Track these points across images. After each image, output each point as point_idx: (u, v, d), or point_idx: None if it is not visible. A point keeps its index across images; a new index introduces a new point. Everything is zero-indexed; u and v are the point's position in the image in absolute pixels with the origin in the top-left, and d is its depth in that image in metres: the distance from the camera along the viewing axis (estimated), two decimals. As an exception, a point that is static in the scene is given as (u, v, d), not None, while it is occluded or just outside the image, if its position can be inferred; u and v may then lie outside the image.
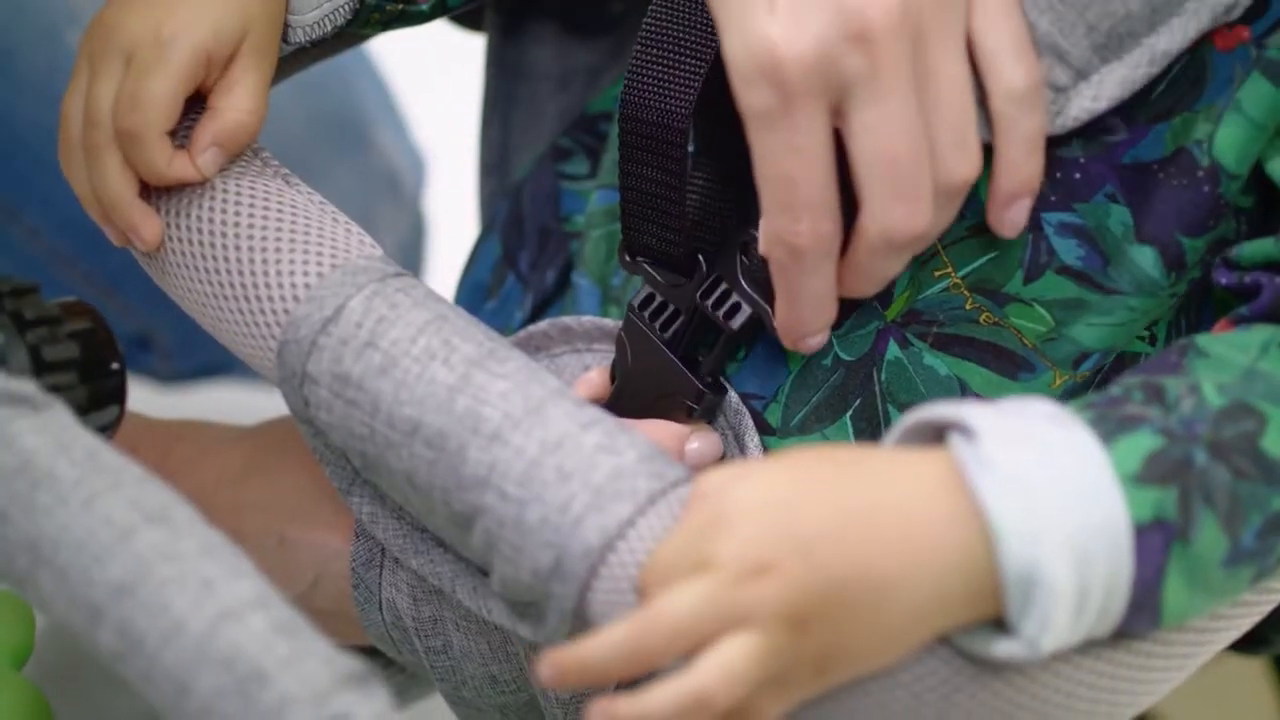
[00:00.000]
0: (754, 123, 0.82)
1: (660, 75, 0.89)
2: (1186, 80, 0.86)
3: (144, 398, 1.44)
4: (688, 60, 0.88)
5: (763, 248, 0.85)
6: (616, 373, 0.94)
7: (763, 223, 0.84)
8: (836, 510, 0.77)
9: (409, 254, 1.52)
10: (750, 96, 0.81)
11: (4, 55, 1.31)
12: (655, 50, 0.89)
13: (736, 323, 0.90)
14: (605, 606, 0.78)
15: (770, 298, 0.88)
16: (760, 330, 0.91)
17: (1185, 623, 0.82)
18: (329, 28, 0.93)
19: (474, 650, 0.93)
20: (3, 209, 1.35)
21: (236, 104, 0.88)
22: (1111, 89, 0.85)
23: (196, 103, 0.90)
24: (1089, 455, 0.77)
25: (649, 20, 0.89)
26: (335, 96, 1.42)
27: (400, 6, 0.97)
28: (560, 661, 0.75)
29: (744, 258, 0.90)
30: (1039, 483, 0.76)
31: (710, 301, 0.91)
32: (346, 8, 0.94)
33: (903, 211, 0.82)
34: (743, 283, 0.90)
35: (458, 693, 0.96)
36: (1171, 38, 0.85)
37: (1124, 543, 0.77)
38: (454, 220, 1.55)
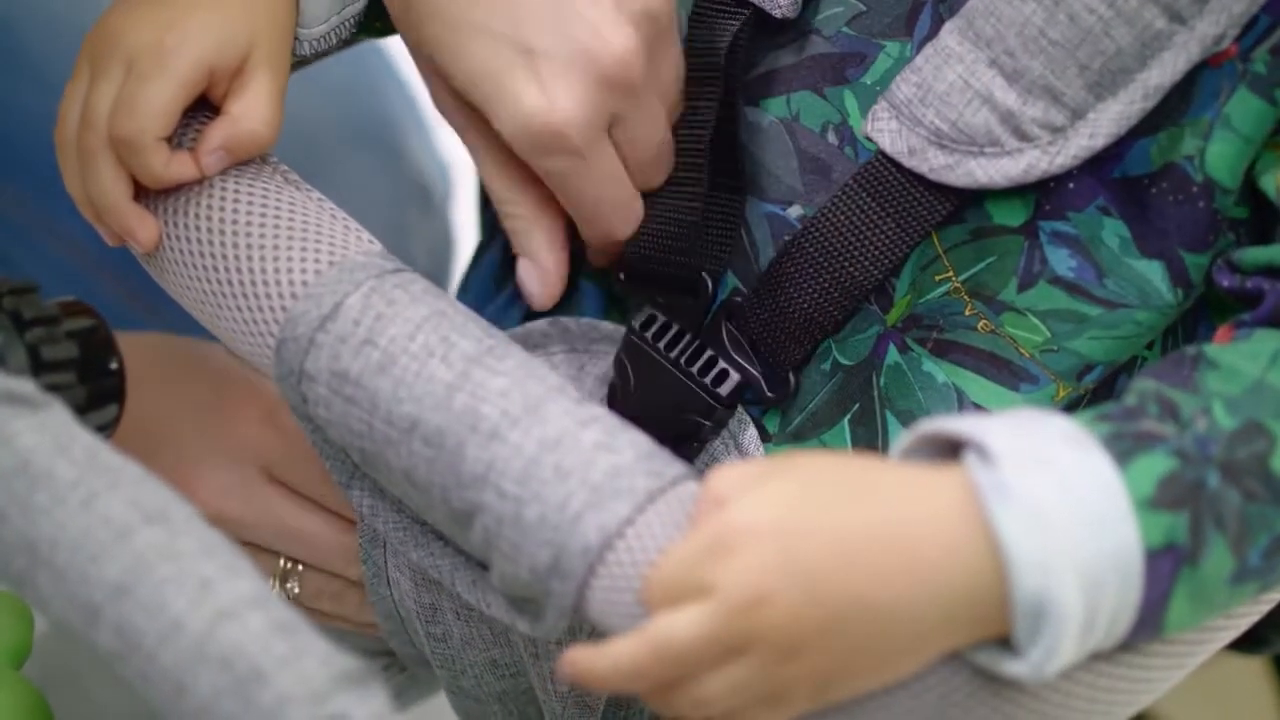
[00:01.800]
0: (560, 180, 0.90)
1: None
2: (1174, 94, 0.86)
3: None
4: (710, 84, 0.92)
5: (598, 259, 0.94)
6: (617, 393, 0.94)
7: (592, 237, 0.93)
8: (842, 538, 0.76)
9: (440, 261, 1.51)
10: (547, 163, 0.89)
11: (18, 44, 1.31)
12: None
13: (725, 389, 0.91)
14: (604, 604, 0.78)
15: (756, 363, 0.91)
16: (748, 391, 0.92)
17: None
18: (334, 41, 0.94)
19: (475, 637, 0.93)
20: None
21: (252, 113, 0.88)
22: (1108, 126, 0.86)
23: (196, 109, 0.89)
24: (1105, 481, 0.77)
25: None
26: (365, 105, 1.42)
27: None
28: (574, 662, 0.76)
29: (729, 324, 0.92)
30: (1055, 512, 0.76)
31: (696, 368, 0.92)
32: (352, 21, 0.94)
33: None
34: (730, 350, 0.91)
35: (456, 682, 0.95)
36: (1163, 71, 0.85)
37: (1135, 570, 0.77)
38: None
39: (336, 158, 1.34)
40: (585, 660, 0.76)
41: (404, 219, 1.41)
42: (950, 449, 0.79)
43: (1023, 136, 0.86)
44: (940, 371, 0.90)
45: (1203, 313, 0.91)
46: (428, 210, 1.46)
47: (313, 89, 1.30)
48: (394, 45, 1.29)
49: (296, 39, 0.92)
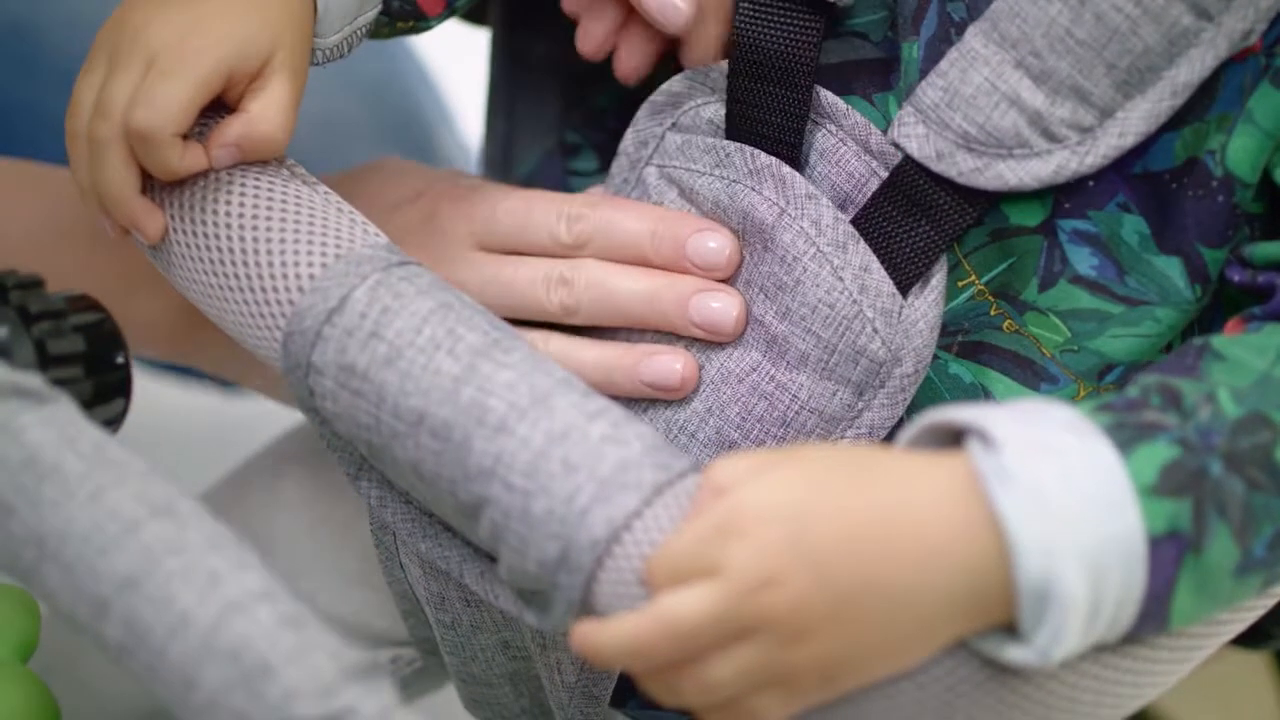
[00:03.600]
0: None
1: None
2: (1197, 89, 0.86)
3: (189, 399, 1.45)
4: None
5: None
6: None
7: None
8: (850, 522, 0.76)
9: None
10: None
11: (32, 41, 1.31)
12: None
13: None
14: (611, 598, 0.78)
15: None
16: None
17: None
18: (346, 50, 0.94)
19: (485, 621, 0.93)
20: None
21: (269, 115, 0.88)
22: (1137, 124, 0.86)
23: (210, 108, 0.89)
24: (1107, 467, 0.77)
25: None
26: (394, 102, 1.43)
27: (411, 23, 0.97)
28: (581, 635, 0.76)
29: None
30: (1057, 496, 0.76)
31: None
32: (362, 30, 0.94)
33: None
34: None
35: (467, 668, 0.95)
36: (1191, 69, 0.85)
37: (1138, 556, 0.77)
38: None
39: (368, 155, 1.35)
40: (592, 634, 0.76)
41: None
42: (954, 439, 0.80)
43: (1051, 138, 0.86)
44: (967, 372, 0.91)
45: (1217, 312, 0.92)
46: None
47: (343, 88, 1.31)
48: (421, 42, 1.30)
49: (313, 48, 0.92)
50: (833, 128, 0.90)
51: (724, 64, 0.92)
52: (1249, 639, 0.96)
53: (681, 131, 0.93)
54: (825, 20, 0.90)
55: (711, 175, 0.91)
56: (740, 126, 0.92)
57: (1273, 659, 1.52)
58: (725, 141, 0.91)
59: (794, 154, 0.90)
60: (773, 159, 0.90)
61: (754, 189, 0.90)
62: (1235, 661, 1.41)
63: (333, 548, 1.05)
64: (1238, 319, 0.87)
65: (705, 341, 0.92)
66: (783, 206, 0.89)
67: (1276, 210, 0.89)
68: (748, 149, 0.91)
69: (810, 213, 0.89)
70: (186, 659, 0.72)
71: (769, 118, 0.91)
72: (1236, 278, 0.88)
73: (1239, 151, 0.87)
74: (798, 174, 0.90)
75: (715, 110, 0.93)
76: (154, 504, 0.75)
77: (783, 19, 0.90)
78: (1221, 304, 0.91)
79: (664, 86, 0.94)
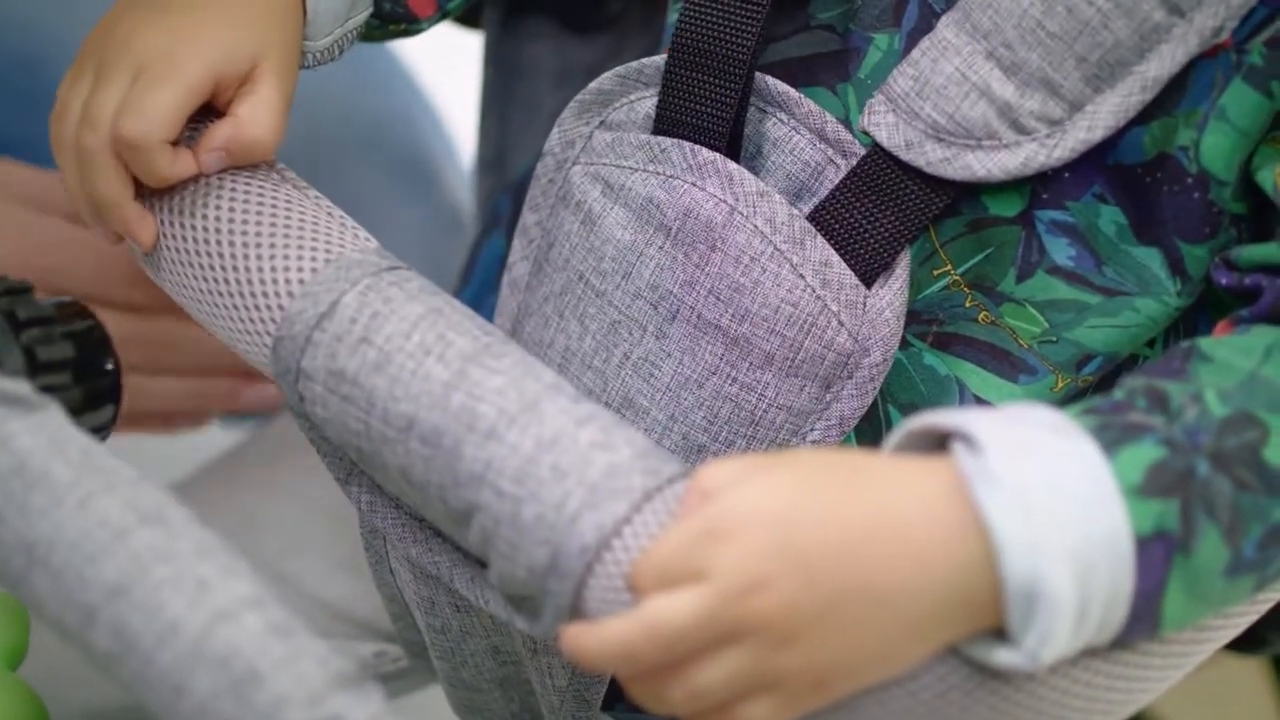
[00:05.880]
0: None
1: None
2: (1167, 84, 0.86)
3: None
4: None
5: None
6: None
7: None
8: (838, 526, 0.76)
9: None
10: None
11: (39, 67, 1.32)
12: None
13: None
14: (601, 604, 0.78)
15: None
16: None
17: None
18: (337, 53, 0.94)
19: (475, 626, 0.93)
20: None
21: (258, 119, 0.88)
22: (1106, 118, 0.86)
23: (198, 114, 0.89)
24: (1092, 467, 0.77)
25: None
26: (399, 136, 1.43)
27: (402, 26, 0.97)
28: (571, 637, 0.76)
29: None
30: (1042, 496, 0.76)
31: None
32: (354, 33, 0.94)
33: None
34: None
35: (457, 674, 0.95)
36: (1161, 64, 0.85)
37: (1126, 556, 0.77)
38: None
39: (373, 190, 1.35)
40: (579, 637, 0.76)
41: (441, 246, 1.43)
42: (940, 444, 0.80)
43: (1020, 129, 0.86)
44: (942, 364, 0.91)
45: (1203, 314, 0.92)
46: (462, 237, 1.47)
47: (346, 123, 1.31)
48: (425, 74, 1.31)
49: (302, 51, 0.92)
50: (784, 116, 0.90)
51: (659, 58, 0.92)
52: (1244, 644, 0.96)
53: (611, 129, 0.93)
54: (770, 9, 0.90)
55: (645, 171, 0.90)
56: (674, 120, 0.91)
57: (1268, 664, 1.52)
58: (660, 137, 0.91)
59: (734, 148, 0.90)
60: (715, 154, 0.89)
61: (696, 185, 0.89)
62: (1231, 666, 1.41)
63: (324, 531, 1.05)
64: (1226, 322, 0.87)
65: (655, 347, 0.91)
66: (732, 205, 0.89)
67: (1262, 213, 0.89)
68: (686, 144, 0.90)
69: (763, 211, 0.88)
70: (175, 666, 0.72)
71: (706, 109, 0.90)
72: (1224, 281, 0.88)
73: (1212, 149, 0.87)
74: (745, 170, 0.89)
75: (652, 104, 0.92)
76: (143, 511, 0.75)
77: (726, 7, 0.90)
78: (1209, 308, 0.91)
79: (592, 85, 0.93)
